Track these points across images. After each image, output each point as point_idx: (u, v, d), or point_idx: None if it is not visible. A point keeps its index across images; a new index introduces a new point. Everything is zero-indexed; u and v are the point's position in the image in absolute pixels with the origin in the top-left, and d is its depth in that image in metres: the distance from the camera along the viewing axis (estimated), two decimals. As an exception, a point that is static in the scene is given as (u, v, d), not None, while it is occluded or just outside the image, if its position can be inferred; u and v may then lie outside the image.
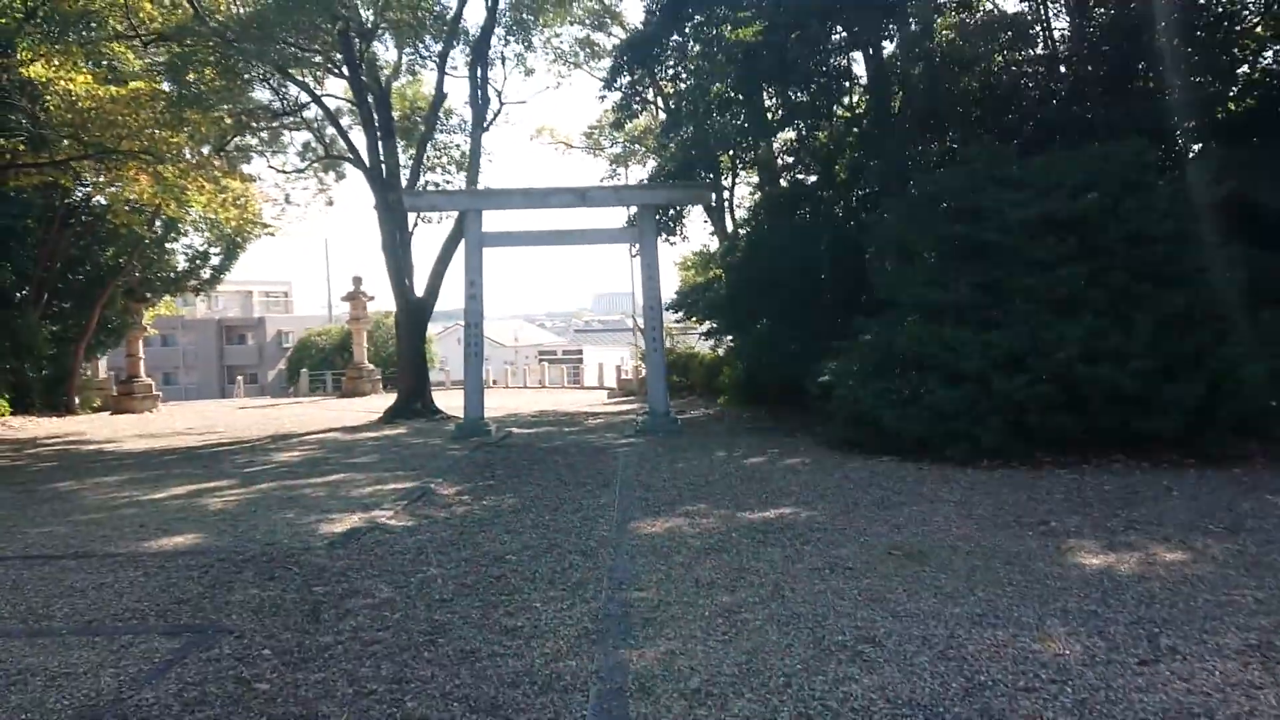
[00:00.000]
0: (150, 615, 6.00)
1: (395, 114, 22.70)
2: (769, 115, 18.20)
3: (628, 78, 17.99)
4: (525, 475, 11.68)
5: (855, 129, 18.70)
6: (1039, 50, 17.58)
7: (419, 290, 21.75)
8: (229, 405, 34.10)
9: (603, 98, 18.93)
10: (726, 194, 25.47)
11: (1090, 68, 16.04)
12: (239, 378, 44.26)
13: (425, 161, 22.85)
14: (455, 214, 20.01)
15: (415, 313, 21.43)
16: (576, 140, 30.18)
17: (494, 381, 43.58)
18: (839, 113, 19.27)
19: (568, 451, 14.04)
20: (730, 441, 14.49)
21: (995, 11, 18.29)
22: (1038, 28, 17.62)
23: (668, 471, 11.47)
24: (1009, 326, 11.03)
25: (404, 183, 21.05)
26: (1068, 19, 17.66)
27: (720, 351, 27.59)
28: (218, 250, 33.28)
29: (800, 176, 19.92)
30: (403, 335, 21.65)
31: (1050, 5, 17.82)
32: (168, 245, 32.19)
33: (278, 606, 6.07)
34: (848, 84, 18.40)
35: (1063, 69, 17.00)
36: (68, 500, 10.87)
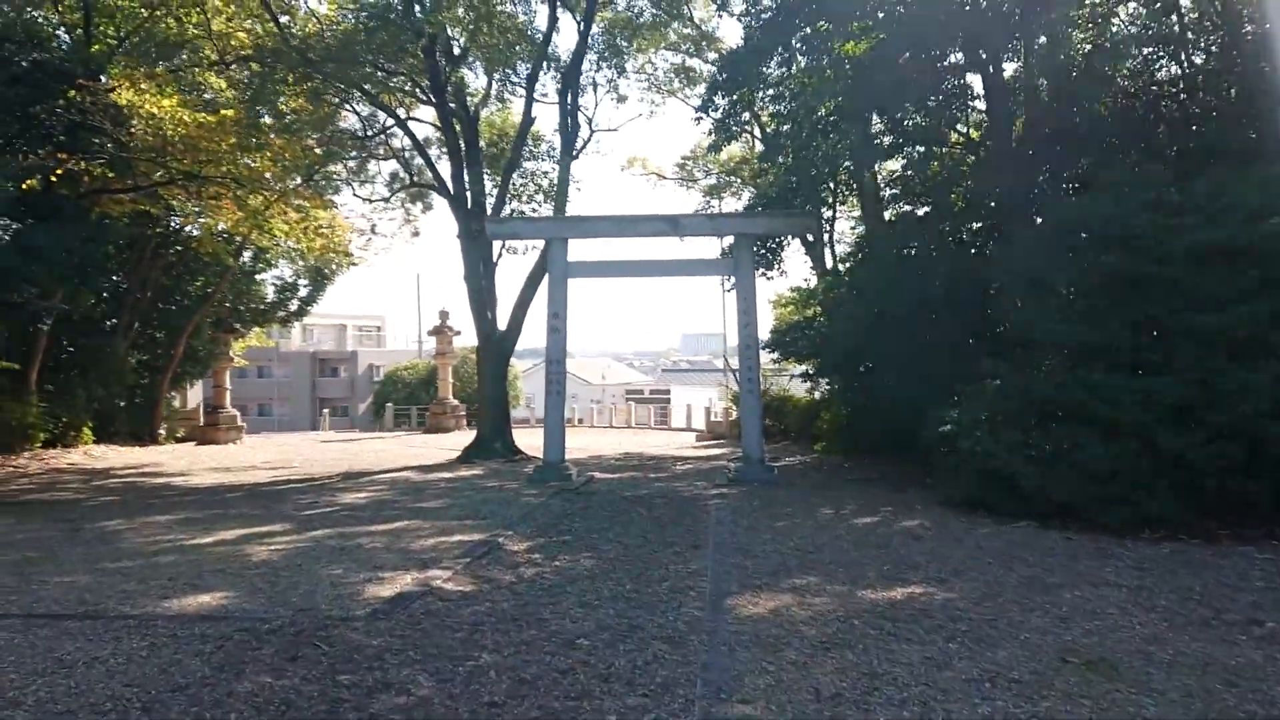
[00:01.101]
0: (134, 708, 4.85)
1: (483, 142, 21.96)
2: (877, 140, 16.78)
3: (725, 98, 16.75)
4: (605, 529, 10.38)
5: (973, 155, 17.15)
6: (1181, 68, 15.86)
7: (501, 324, 20.80)
8: (313, 438, 33.76)
9: (698, 119, 17.73)
10: (827, 228, 24.07)
11: (1237, 89, 14.29)
12: (325, 411, 44.18)
13: (511, 189, 21.99)
14: (541, 245, 19.05)
15: (497, 347, 20.45)
16: (669, 171, 29.12)
17: (579, 420, 42.61)
18: (954, 138, 17.75)
19: (654, 502, 12.71)
20: (834, 496, 12.98)
21: (1132, 28, 16.62)
22: (1177, 45, 15.91)
23: (767, 531, 10.05)
24: (1174, 373, 9.37)
25: (489, 212, 20.18)
26: (1214, 35, 15.94)
27: (817, 395, 26.03)
28: (305, 282, 33.14)
29: (909, 207, 18.39)
30: (484, 370, 20.70)
31: (1192, 21, 16.12)
32: (257, 277, 32.19)
33: (288, 704, 4.86)
34: (965, 106, 16.89)
35: (1203, 91, 15.27)
36: (107, 542, 9.96)
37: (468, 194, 20.23)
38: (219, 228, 24.61)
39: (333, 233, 24.41)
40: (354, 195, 24.17)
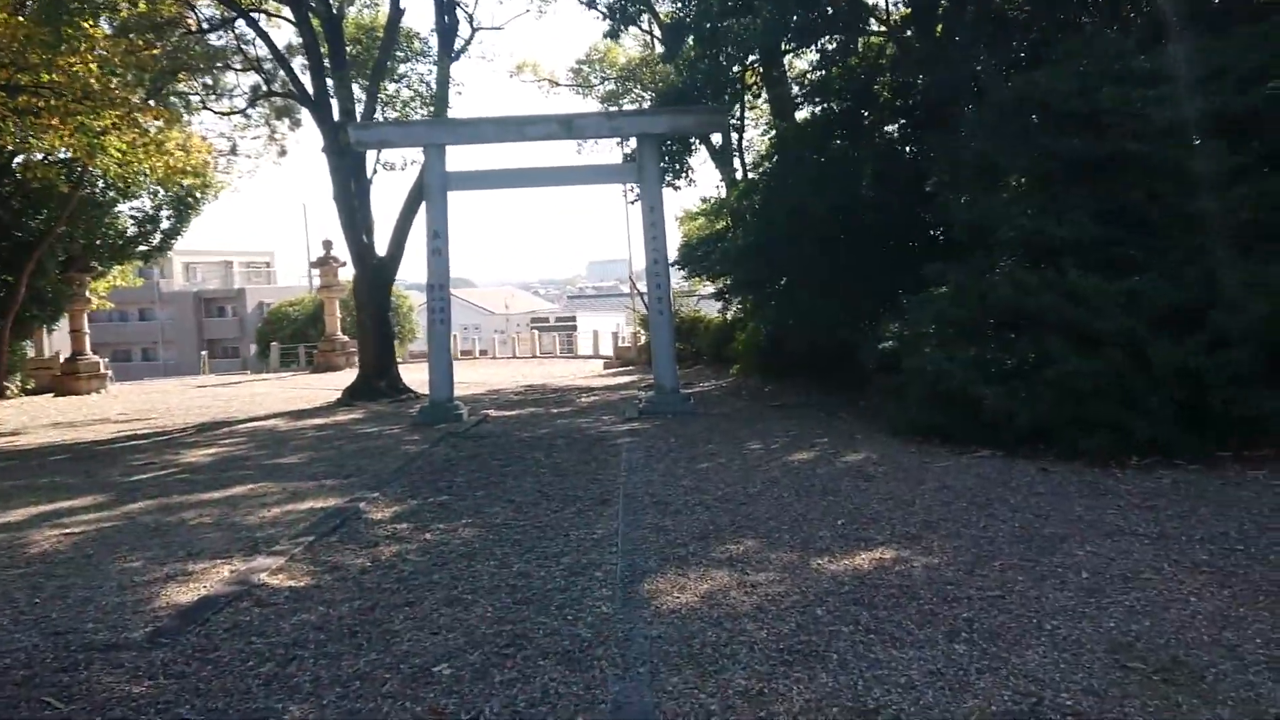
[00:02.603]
0: None
1: (350, 45, 19.38)
2: (792, 21, 14.88)
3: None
4: (495, 483, 8.59)
5: (896, 46, 15.43)
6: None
7: (381, 249, 18.55)
8: (188, 384, 30.93)
9: (590, 3, 15.55)
10: (735, 134, 22.23)
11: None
12: (204, 353, 41.05)
13: (383, 96, 19.49)
14: (420, 159, 16.80)
15: (376, 275, 18.23)
16: (563, 77, 26.73)
17: (481, 352, 40.50)
18: (875, 26, 16.01)
19: (554, 444, 10.94)
20: (761, 427, 11.40)
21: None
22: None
23: (688, 476, 8.39)
24: (1163, 270, 7.91)
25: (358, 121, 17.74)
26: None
27: (729, 315, 24.51)
28: (169, 213, 29.98)
29: (827, 105, 16.63)
30: (362, 302, 18.47)
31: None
32: (118, 210, 29.00)
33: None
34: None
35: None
36: None
37: (333, 102, 17.76)
38: (60, 154, 21.66)
39: (187, 155, 21.65)
40: (206, 109, 21.20)
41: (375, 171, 18.78)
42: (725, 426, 11.63)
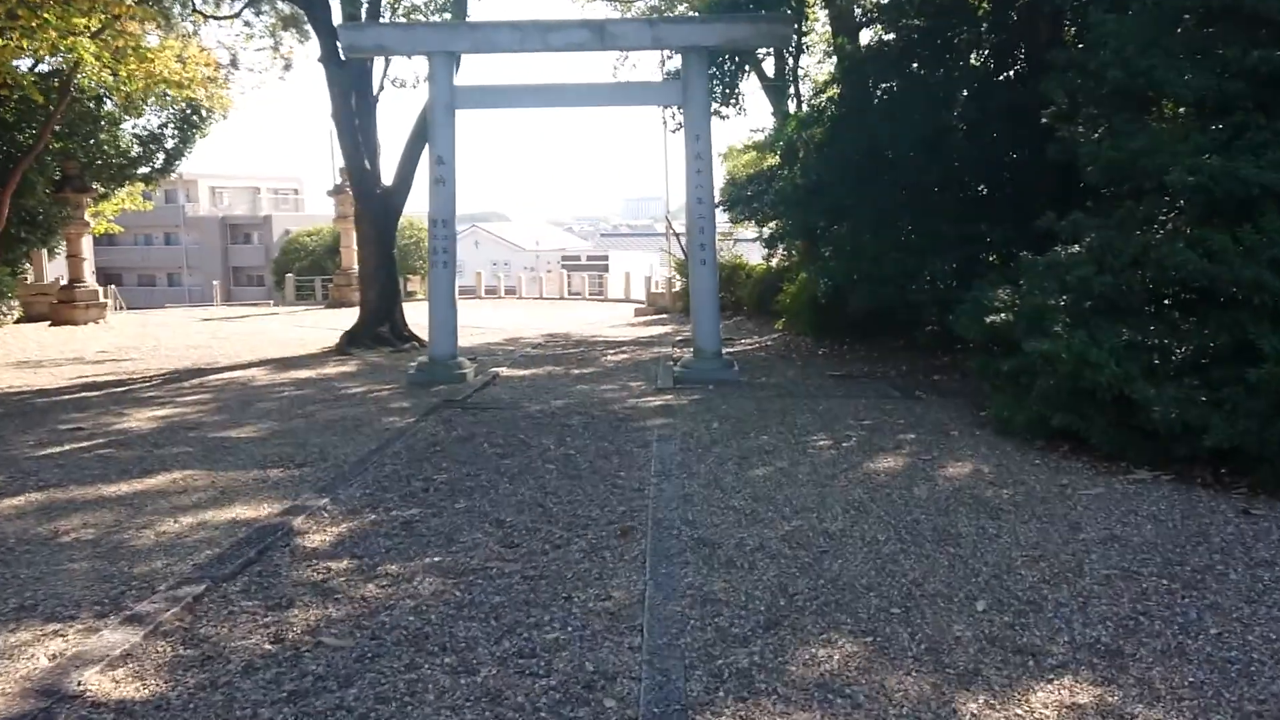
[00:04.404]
0: None
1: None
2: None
3: None
4: (484, 488, 6.50)
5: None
6: None
7: (387, 178, 16.36)
8: (195, 316, 29.08)
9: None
10: (790, 58, 19.66)
11: None
12: (215, 283, 39.24)
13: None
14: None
15: (381, 205, 16.07)
16: (600, -6, 24.05)
17: (509, 290, 38.43)
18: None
19: (569, 424, 8.83)
20: (824, 409, 9.21)
21: None
22: None
23: (740, 491, 6.25)
24: None
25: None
26: None
27: (775, 262, 22.14)
28: (173, 133, 27.87)
29: (909, 20, 14.04)
30: (365, 235, 16.32)
31: None
32: (119, 128, 26.96)
33: None
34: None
35: None
36: None
37: (333, 3, 15.47)
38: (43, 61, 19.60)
39: (184, 67, 19.49)
40: (197, 11, 18.92)
41: (382, 88, 16.51)
42: (779, 406, 9.46)
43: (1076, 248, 7.65)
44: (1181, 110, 8.10)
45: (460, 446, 7.88)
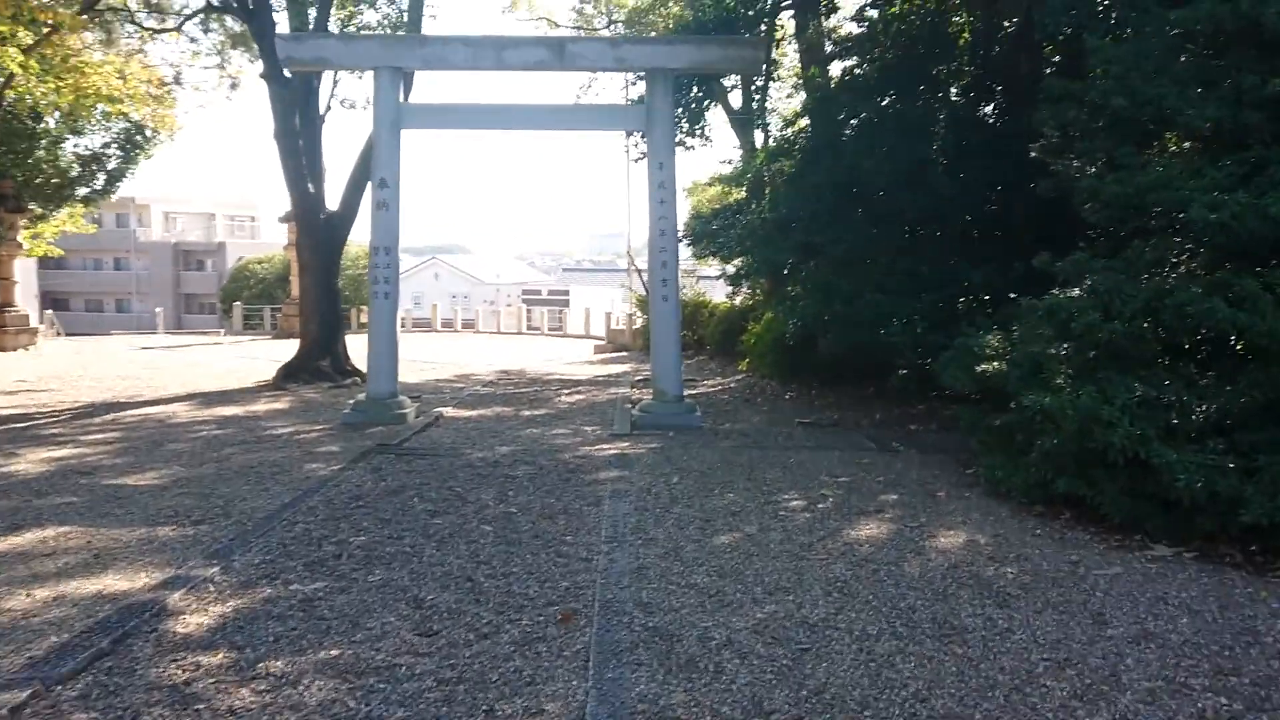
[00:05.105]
0: None
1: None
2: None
3: None
4: (406, 556, 5.58)
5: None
6: None
7: (334, 203, 15.45)
8: (135, 344, 27.77)
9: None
10: (757, 93, 19.06)
11: None
12: (158, 310, 37.78)
13: (339, 16, 16.25)
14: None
15: (324, 233, 15.13)
16: (563, 18, 23.47)
17: (466, 323, 37.42)
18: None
19: (514, 475, 7.93)
20: (795, 462, 8.40)
21: None
22: None
23: (703, 565, 5.38)
24: None
25: (310, 44, 14.54)
26: None
27: (738, 300, 21.41)
28: (117, 152, 26.70)
29: (885, 53, 13.42)
30: (306, 264, 15.35)
31: None
32: (63, 146, 25.80)
33: None
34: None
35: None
36: None
37: (273, 16, 14.57)
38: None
39: (124, 83, 18.54)
40: (134, 23, 17.95)
41: (329, 108, 15.67)
42: (746, 458, 8.63)
43: (1076, 291, 6.94)
44: (1187, 145, 7.46)
45: (387, 501, 6.94)
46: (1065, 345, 6.56)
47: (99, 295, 69.90)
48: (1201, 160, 6.76)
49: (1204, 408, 5.65)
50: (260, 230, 78.19)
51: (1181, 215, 6.18)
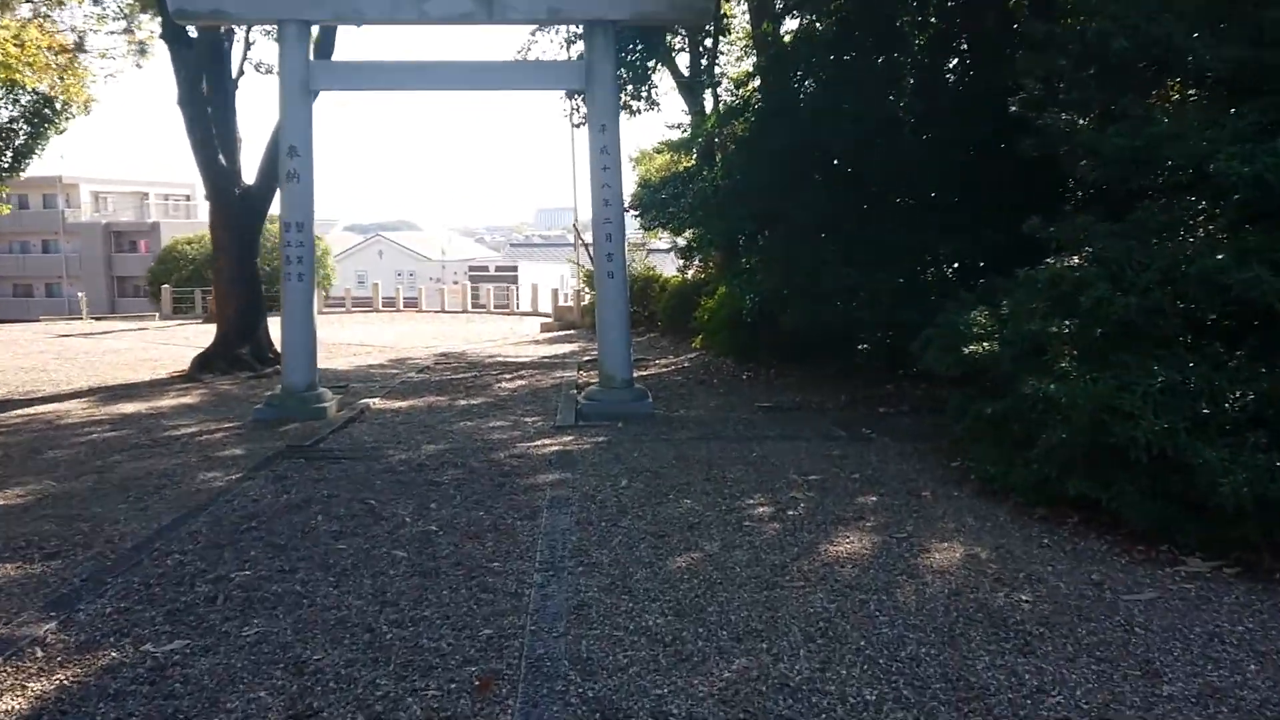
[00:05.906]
0: None
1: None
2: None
3: None
4: (295, 598, 4.58)
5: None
6: None
7: (249, 176, 14.21)
8: (54, 330, 26.15)
9: None
10: (706, 55, 18.02)
11: None
12: (80, 294, 35.88)
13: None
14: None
15: (240, 209, 13.89)
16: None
17: (409, 302, 36.04)
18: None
19: (440, 481, 6.93)
20: (758, 455, 7.50)
21: None
22: None
23: (656, 605, 4.44)
24: None
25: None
26: None
27: (691, 274, 20.44)
28: (24, 127, 24.94)
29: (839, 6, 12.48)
30: (220, 243, 14.08)
31: None
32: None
33: None
34: None
35: None
36: None
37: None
38: None
39: (25, 50, 17.10)
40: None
41: (241, 72, 14.35)
42: (704, 453, 7.71)
43: (1076, 259, 6.09)
44: (1192, 92, 6.63)
45: (285, 521, 5.91)
46: (1068, 322, 5.70)
47: (27, 279, 67.37)
48: (1214, 109, 5.92)
49: (1237, 394, 4.81)
50: (197, 210, 75.48)
51: (1197, 170, 5.31)
